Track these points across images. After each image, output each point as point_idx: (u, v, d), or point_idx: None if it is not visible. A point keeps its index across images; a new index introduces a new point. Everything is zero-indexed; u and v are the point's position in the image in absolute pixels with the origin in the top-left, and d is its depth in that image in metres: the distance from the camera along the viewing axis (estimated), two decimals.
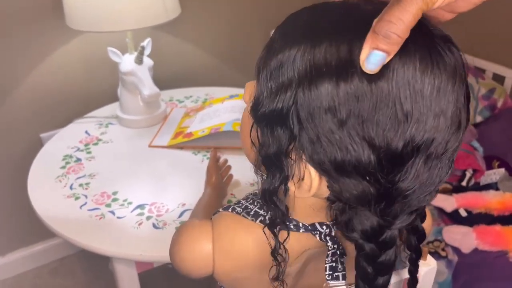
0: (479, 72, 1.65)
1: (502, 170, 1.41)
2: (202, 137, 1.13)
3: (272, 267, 0.47)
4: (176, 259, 0.52)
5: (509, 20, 1.56)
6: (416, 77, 0.34)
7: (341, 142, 0.35)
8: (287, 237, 0.46)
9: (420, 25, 0.33)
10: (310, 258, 0.49)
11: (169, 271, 1.01)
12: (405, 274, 0.54)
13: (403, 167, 0.36)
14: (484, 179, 1.41)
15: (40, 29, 1.31)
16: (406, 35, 0.32)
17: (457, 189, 1.39)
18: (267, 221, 0.49)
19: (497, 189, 1.36)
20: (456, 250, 1.21)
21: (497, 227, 1.22)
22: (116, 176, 1.06)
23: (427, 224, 0.51)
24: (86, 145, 1.19)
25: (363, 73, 0.34)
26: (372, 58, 0.32)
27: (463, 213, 1.30)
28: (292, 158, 0.39)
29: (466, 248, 1.20)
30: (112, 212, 0.94)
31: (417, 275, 0.52)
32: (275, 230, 0.45)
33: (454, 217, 1.31)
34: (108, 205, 0.96)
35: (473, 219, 1.27)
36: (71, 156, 1.14)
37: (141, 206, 0.96)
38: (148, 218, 0.93)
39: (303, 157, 0.38)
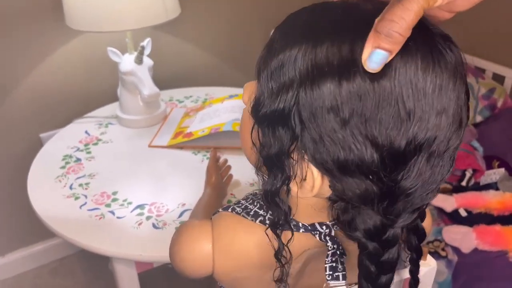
0: (479, 72, 1.65)
1: (502, 170, 1.41)
2: (202, 137, 1.13)
3: (276, 269, 0.46)
4: (175, 259, 0.52)
5: (509, 19, 1.56)
6: (418, 75, 0.34)
7: (344, 141, 0.35)
8: (291, 237, 0.45)
9: (420, 24, 0.33)
10: (310, 258, 0.49)
11: (169, 271, 1.01)
12: (405, 274, 0.54)
13: (405, 165, 0.36)
14: (484, 179, 1.41)
15: (40, 29, 1.31)
16: (408, 33, 0.32)
17: (457, 189, 1.39)
18: (267, 221, 0.49)
19: (497, 189, 1.36)
20: (456, 250, 1.21)
21: (497, 227, 1.22)
22: (116, 176, 1.06)
23: (427, 224, 0.51)
24: (86, 145, 1.19)
25: (366, 72, 0.34)
26: (374, 57, 0.32)
27: (463, 213, 1.30)
28: (293, 158, 0.39)
29: (466, 248, 1.20)
30: (112, 212, 0.94)
31: (421, 274, 0.52)
32: (277, 231, 0.45)
33: (454, 217, 1.31)
34: (108, 205, 0.96)
35: (473, 219, 1.27)
36: (71, 156, 1.14)
37: (141, 206, 0.96)
38: (148, 218, 0.93)
39: (305, 157, 0.38)
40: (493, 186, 1.38)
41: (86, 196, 0.99)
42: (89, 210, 0.95)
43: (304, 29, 0.38)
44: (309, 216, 0.46)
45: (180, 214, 0.94)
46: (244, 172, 1.02)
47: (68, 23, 1.15)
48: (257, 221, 0.49)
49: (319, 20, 0.38)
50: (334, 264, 0.46)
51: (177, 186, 1.03)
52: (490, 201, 1.28)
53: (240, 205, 0.53)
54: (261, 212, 0.50)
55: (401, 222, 0.40)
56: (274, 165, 0.40)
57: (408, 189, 0.37)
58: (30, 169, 1.09)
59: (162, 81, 1.41)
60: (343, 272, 0.45)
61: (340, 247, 0.47)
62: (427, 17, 0.37)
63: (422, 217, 0.48)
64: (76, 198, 0.99)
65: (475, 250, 1.19)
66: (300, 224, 0.47)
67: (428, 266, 0.60)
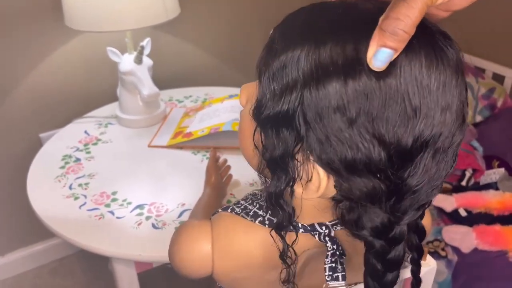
0: (479, 71, 1.65)
1: (502, 169, 1.41)
2: (202, 137, 1.13)
3: (282, 270, 0.46)
4: (175, 259, 0.52)
5: (509, 19, 1.56)
6: (423, 73, 0.34)
7: (351, 141, 0.35)
8: (295, 238, 0.45)
9: (420, 22, 0.33)
10: (310, 259, 0.49)
11: (168, 271, 1.01)
12: (405, 274, 0.54)
13: (412, 162, 0.36)
14: (484, 179, 1.41)
15: (40, 29, 1.31)
16: (413, 31, 0.32)
17: (457, 188, 1.39)
18: (267, 222, 0.49)
19: (497, 188, 1.36)
20: (456, 250, 1.21)
21: (497, 227, 1.22)
22: (115, 176, 1.06)
23: (427, 223, 0.51)
24: (85, 145, 1.19)
25: (371, 71, 0.34)
26: (379, 56, 0.33)
27: (463, 213, 1.29)
28: (298, 159, 0.39)
29: (465, 248, 1.20)
30: (112, 212, 0.94)
31: (421, 274, 0.52)
32: (282, 232, 0.45)
33: (453, 217, 1.31)
34: (108, 205, 0.96)
35: (472, 219, 1.27)
36: (70, 156, 1.14)
37: (140, 206, 0.96)
38: (148, 218, 0.93)
39: (311, 157, 0.38)
40: (493, 186, 1.38)
41: (85, 196, 0.99)
42: (88, 210, 0.95)
43: (305, 29, 0.38)
44: (312, 216, 0.46)
45: (180, 214, 0.94)
46: (243, 172, 1.01)
47: (67, 23, 1.15)
48: (257, 221, 0.49)
49: (319, 20, 0.38)
50: (333, 265, 0.45)
51: (177, 186, 1.02)
52: (490, 201, 1.28)
53: (240, 205, 0.53)
54: (260, 212, 0.50)
55: (407, 219, 0.40)
56: (278, 167, 0.40)
57: (415, 186, 0.37)
58: (29, 169, 1.09)
59: (162, 81, 1.41)
60: (342, 273, 0.45)
61: (340, 248, 0.47)
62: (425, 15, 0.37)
63: (421, 215, 0.48)
64: (76, 198, 0.98)
65: (475, 250, 1.19)
66: (300, 225, 0.47)
67: (428, 266, 0.60)
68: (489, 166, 1.47)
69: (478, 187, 1.39)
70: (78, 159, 1.12)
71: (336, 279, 0.45)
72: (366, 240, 0.41)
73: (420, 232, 0.48)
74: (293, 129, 0.37)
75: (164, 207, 0.95)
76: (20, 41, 1.30)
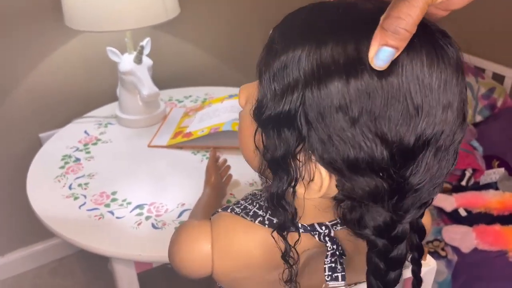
0: (479, 71, 1.65)
1: (502, 169, 1.41)
2: (202, 136, 1.13)
3: (284, 270, 0.46)
4: (175, 259, 0.52)
5: (509, 19, 1.56)
6: (424, 71, 0.34)
7: (354, 140, 0.35)
8: (298, 239, 0.45)
9: (420, 21, 0.33)
10: (309, 259, 0.49)
11: (168, 271, 1.01)
12: (406, 274, 0.54)
13: (414, 161, 0.36)
14: (484, 179, 1.41)
15: (39, 29, 1.31)
16: (414, 30, 0.32)
17: (457, 188, 1.39)
18: (266, 222, 0.49)
19: (496, 188, 1.36)
20: (456, 249, 1.21)
21: (497, 227, 1.22)
22: (115, 176, 1.06)
23: (426, 222, 0.51)
24: (85, 145, 1.19)
25: (373, 70, 0.34)
26: (381, 55, 0.33)
27: (463, 213, 1.29)
28: (299, 159, 0.39)
29: (465, 248, 1.20)
30: (111, 212, 0.94)
31: (421, 274, 0.52)
32: (283, 233, 0.45)
33: (453, 217, 1.31)
34: (107, 205, 0.96)
35: (472, 219, 1.27)
36: (70, 156, 1.14)
37: (140, 206, 0.96)
38: (147, 218, 0.93)
39: (313, 157, 0.38)
40: (493, 185, 1.38)
41: (85, 196, 0.99)
42: (88, 210, 0.95)
43: (305, 29, 0.38)
44: (313, 216, 0.46)
45: (180, 214, 0.94)
46: (243, 172, 1.01)
47: (67, 23, 1.15)
48: (256, 221, 0.49)
49: (319, 19, 0.38)
50: (333, 265, 0.45)
51: (177, 186, 1.02)
52: (490, 200, 1.28)
53: (239, 205, 0.53)
54: (260, 212, 0.50)
55: (409, 218, 0.40)
56: (279, 168, 0.40)
57: (417, 184, 0.37)
58: (29, 169, 1.09)
59: (162, 81, 1.41)
60: (342, 273, 0.45)
61: (340, 248, 0.46)
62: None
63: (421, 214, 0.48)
64: (76, 198, 0.98)
65: (475, 250, 1.19)
66: (299, 225, 0.47)
67: (428, 266, 0.60)
68: (489, 166, 1.47)
69: (478, 187, 1.39)
70: (78, 159, 1.12)
71: (336, 279, 0.45)
72: (368, 239, 0.41)
73: (420, 231, 0.48)
74: (294, 129, 0.37)
75: (164, 207, 0.95)
76: (20, 41, 1.30)
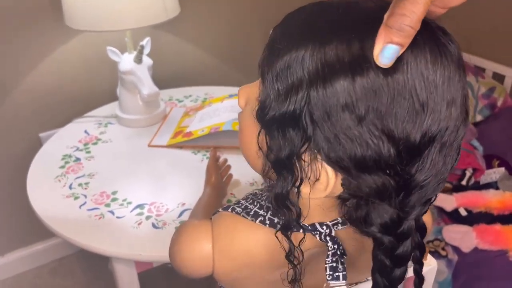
0: (479, 71, 1.65)
1: (502, 169, 1.41)
2: (202, 136, 1.13)
3: (288, 270, 0.46)
4: (175, 259, 0.52)
5: (509, 18, 1.56)
6: (429, 68, 0.35)
7: (361, 138, 0.35)
8: (303, 238, 0.45)
9: None
10: (310, 259, 0.49)
11: (168, 271, 1.01)
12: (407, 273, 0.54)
13: (420, 157, 0.36)
14: (484, 178, 1.41)
15: (39, 29, 1.31)
16: (418, 26, 0.33)
17: (457, 188, 1.39)
18: (267, 221, 0.49)
19: (497, 188, 1.36)
20: (456, 249, 1.21)
21: (497, 226, 1.22)
22: (115, 176, 1.06)
23: (427, 221, 0.51)
24: (85, 144, 1.19)
25: (378, 68, 0.34)
26: (386, 52, 0.33)
27: (463, 212, 1.29)
28: (304, 159, 0.39)
29: (466, 247, 1.20)
30: (112, 212, 0.94)
31: (423, 273, 0.51)
32: (287, 233, 0.45)
33: (454, 216, 1.31)
34: (108, 205, 0.96)
35: (473, 218, 1.27)
36: (70, 156, 1.14)
37: (140, 206, 0.96)
38: (148, 217, 0.93)
39: (318, 156, 0.38)
40: (493, 185, 1.38)
41: (85, 196, 0.99)
42: (88, 210, 0.95)
43: (308, 28, 0.38)
44: (316, 216, 0.46)
45: (180, 213, 0.94)
46: (244, 172, 1.01)
47: (67, 22, 1.15)
48: (257, 221, 0.49)
49: (321, 19, 0.38)
50: (334, 264, 0.45)
51: (177, 186, 1.02)
52: (490, 200, 1.28)
53: (240, 205, 0.53)
54: (261, 212, 0.50)
55: (414, 214, 0.40)
56: (284, 168, 0.40)
57: (423, 181, 0.38)
58: (29, 169, 1.09)
59: (162, 80, 1.41)
60: (343, 272, 0.45)
61: (341, 247, 0.46)
62: None
63: None
64: (76, 198, 0.98)
65: (475, 250, 1.19)
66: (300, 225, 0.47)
67: (429, 266, 0.60)
68: (489, 166, 1.47)
69: (478, 186, 1.39)
70: (78, 159, 1.12)
71: (337, 278, 0.45)
72: (374, 237, 0.41)
73: (422, 229, 0.48)
74: (299, 129, 0.37)
75: (164, 207, 0.95)
76: (20, 41, 1.30)
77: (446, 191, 1.37)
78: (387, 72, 0.34)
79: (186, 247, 0.51)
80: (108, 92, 1.43)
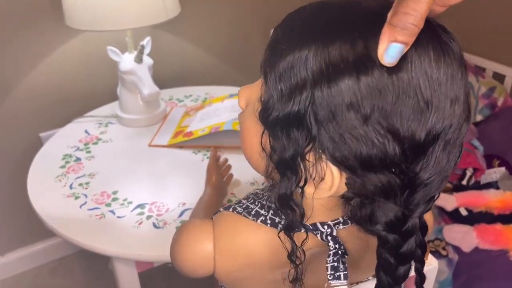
0: (479, 70, 1.65)
1: (503, 169, 1.41)
2: (202, 136, 1.13)
3: (290, 269, 0.46)
4: (177, 259, 0.52)
5: (510, 18, 1.56)
6: (432, 66, 0.35)
7: (366, 137, 0.35)
8: (305, 238, 0.45)
9: None
10: (311, 258, 0.49)
11: (169, 270, 1.01)
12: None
13: (425, 155, 0.37)
14: (485, 178, 1.41)
15: (40, 28, 1.31)
16: (422, 25, 0.33)
17: (458, 188, 1.39)
18: (268, 221, 0.49)
19: (497, 188, 1.36)
20: (457, 249, 1.21)
21: (498, 226, 1.22)
22: (116, 176, 1.06)
23: (428, 220, 0.51)
24: (85, 144, 1.19)
25: (383, 67, 0.34)
26: (390, 51, 0.33)
27: (464, 212, 1.29)
28: (308, 159, 0.39)
29: (466, 247, 1.20)
30: (112, 212, 0.94)
31: (424, 271, 0.51)
32: (290, 234, 0.45)
33: (454, 216, 1.31)
34: (108, 205, 0.96)
35: (473, 218, 1.27)
36: (70, 156, 1.14)
37: (141, 206, 0.96)
38: (148, 217, 0.93)
39: (323, 156, 0.38)
40: (493, 185, 1.38)
41: (86, 196, 0.99)
42: (89, 209, 0.95)
43: (311, 28, 0.37)
44: (319, 215, 0.46)
45: (181, 213, 0.94)
46: (244, 172, 1.01)
47: (67, 22, 1.14)
48: (259, 220, 0.49)
49: (323, 19, 0.38)
50: (335, 264, 0.45)
51: (177, 186, 1.02)
52: (491, 200, 1.28)
53: (241, 204, 0.52)
54: (262, 211, 0.50)
55: (418, 212, 0.40)
56: (288, 169, 0.40)
57: (427, 178, 0.38)
58: (30, 169, 1.09)
59: (162, 80, 1.41)
60: (344, 272, 0.45)
61: (342, 247, 0.46)
62: None
63: None
64: (76, 198, 0.98)
65: (476, 249, 1.19)
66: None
67: (429, 266, 0.60)
68: (490, 165, 1.47)
69: (478, 186, 1.39)
70: (78, 159, 1.12)
71: (338, 278, 0.45)
72: (379, 235, 0.41)
73: (423, 227, 0.48)
74: (303, 129, 0.37)
75: (165, 207, 0.95)
76: (21, 40, 1.30)
77: (446, 190, 1.37)
78: (392, 70, 0.34)
79: (187, 247, 0.51)
80: (109, 92, 1.43)
